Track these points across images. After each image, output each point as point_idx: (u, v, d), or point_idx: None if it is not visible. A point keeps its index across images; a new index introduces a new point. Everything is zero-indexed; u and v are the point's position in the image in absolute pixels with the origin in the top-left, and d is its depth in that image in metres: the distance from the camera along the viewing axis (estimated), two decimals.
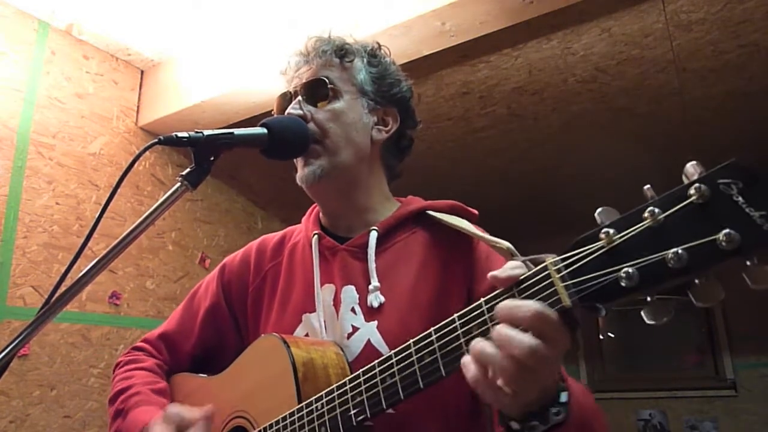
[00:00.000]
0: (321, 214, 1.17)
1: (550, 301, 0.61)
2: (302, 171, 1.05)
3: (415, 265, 1.03)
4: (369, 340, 0.97)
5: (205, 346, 1.20)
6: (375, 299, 0.99)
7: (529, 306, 0.61)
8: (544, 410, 0.68)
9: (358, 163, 1.08)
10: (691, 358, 5.00)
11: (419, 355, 0.73)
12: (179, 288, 3.03)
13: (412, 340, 0.75)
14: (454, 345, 0.70)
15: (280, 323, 1.07)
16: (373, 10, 2.24)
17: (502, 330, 0.62)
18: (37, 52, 2.56)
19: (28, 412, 2.33)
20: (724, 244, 0.51)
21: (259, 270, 1.17)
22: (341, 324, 1.00)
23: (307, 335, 1.04)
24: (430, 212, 1.08)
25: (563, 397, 0.70)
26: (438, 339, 0.72)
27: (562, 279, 0.60)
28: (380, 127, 1.11)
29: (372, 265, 1.02)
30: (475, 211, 1.08)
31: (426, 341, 0.73)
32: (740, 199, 0.51)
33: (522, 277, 0.65)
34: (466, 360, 0.65)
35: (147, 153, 2.51)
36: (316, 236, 1.10)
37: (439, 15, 2.12)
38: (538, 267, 0.64)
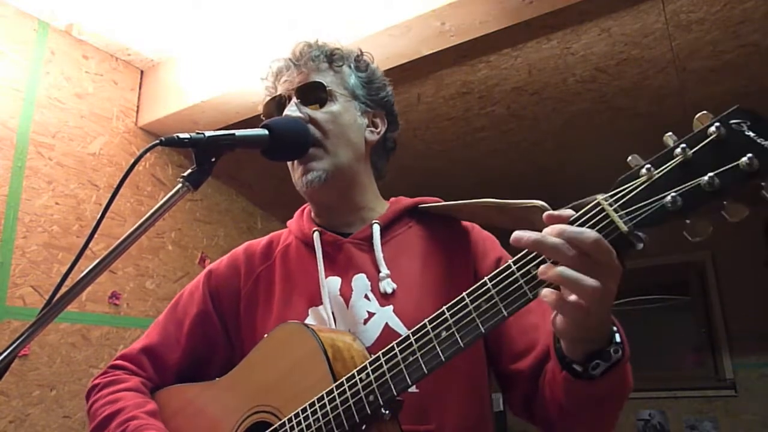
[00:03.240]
0: (313, 214, 1.17)
1: (608, 230, 0.69)
2: (305, 176, 1.05)
3: (419, 255, 1.06)
4: (387, 324, 0.98)
5: (192, 356, 1.15)
6: (387, 285, 1.01)
7: (590, 233, 0.68)
8: (605, 350, 0.76)
9: (355, 164, 1.11)
10: (690, 358, 5.00)
11: (456, 317, 0.77)
12: (179, 288, 3.01)
13: (445, 306, 0.79)
14: (489, 304, 0.75)
15: (285, 319, 1.06)
16: (373, 10, 2.24)
17: (567, 229, 0.69)
18: (37, 52, 2.56)
19: (28, 412, 2.33)
20: (746, 167, 0.62)
21: (250, 273, 1.16)
22: (355, 311, 1.01)
23: None
24: (425, 206, 1.12)
25: (617, 337, 0.78)
26: (472, 300, 0.76)
27: (615, 211, 0.69)
28: (372, 129, 1.15)
29: (379, 254, 1.05)
30: None
31: (461, 304, 0.77)
32: (751, 133, 0.63)
33: (576, 216, 0.71)
34: (546, 291, 0.70)
35: (147, 153, 2.51)
36: (317, 233, 1.11)
37: (438, 15, 2.12)
38: (591, 204, 0.71)
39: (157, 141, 0.81)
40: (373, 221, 1.09)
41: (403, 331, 0.96)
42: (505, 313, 0.74)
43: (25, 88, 2.50)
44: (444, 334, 0.78)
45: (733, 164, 0.62)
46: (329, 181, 1.05)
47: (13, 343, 0.76)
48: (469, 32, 2.23)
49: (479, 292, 0.76)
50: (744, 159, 0.62)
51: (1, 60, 2.43)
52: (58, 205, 2.55)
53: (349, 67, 1.14)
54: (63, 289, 0.80)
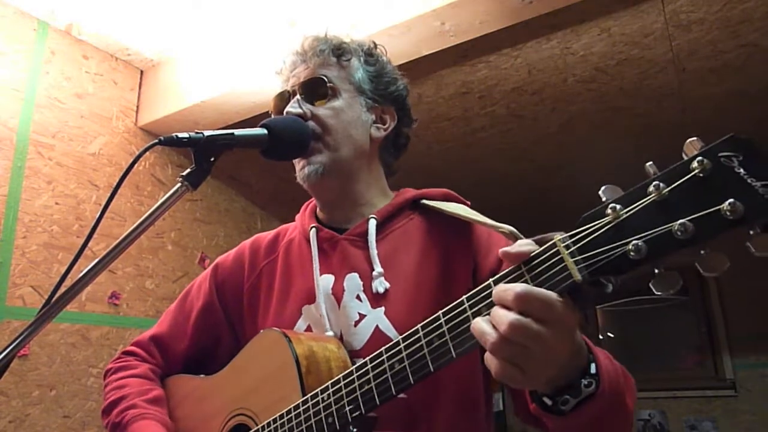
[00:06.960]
0: (318, 209, 1.17)
1: (560, 276, 0.61)
2: (304, 170, 1.05)
3: (416, 250, 1.03)
4: (377, 327, 0.97)
5: (198, 347, 1.19)
6: (380, 285, 0.99)
7: (513, 288, 0.61)
8: (575, 383, 0.68)
9: (357, 159, 1.09)
10: (690, 358, 5.00)
11: (428, 338, 0.72)
12: (179, 288, 3.03)
13: (420, 325, 0.74)
14: (463, 326, 0.69)
15: (280, 318, 1.07)
16: (373, 10, 2.24)
17: (494, 310, 0.63)
18: (37, 52, 2.56)
19: (28, 412, 2.33)
20: (728, 213, 0.52)
21: (254, 268, 1.17)
22: (347, 312, 1.00)
23: (309, 327, 1.03)
24: (426, 201, 1.08)
25: (593, 368, 0.69)
26: (447, 321, 0.71)
27: (572, 255, 0.61)
28: (378, 125, 1.12)
29: (374, 251, 1.02)
30: (468, 202, 1.09)
31: (435, 324, 0.72)
32: (741, 170, 0.53)
33: (531, 255, 0.64)
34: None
35: (147, 153, 2.51)
36: (314, 229, 1.10)
37: (438, 15, 2.12)
38: (547, 244, 0.63)
39: (156, 140, 0.82)
40: (370, 216, 1.07)
41: (393, 334, 0.94)
42: (453, 354, 0.69)
43: (25, 88, 2.50)
44: (397, 366, 0.75)
45: (713, 209, 0.53)
46: (327, 175, 1.04)
47: (13, 342, 0.76)
48: (468, 32, 2.23)
49: (433, 325, 0.72)
50: (725, 204, 0.52)
51: (1, 60, 2.43)
52: (58, 205, 2.55)
53: (358, 60, 1.12)
54: (62, 289, 0.80)
